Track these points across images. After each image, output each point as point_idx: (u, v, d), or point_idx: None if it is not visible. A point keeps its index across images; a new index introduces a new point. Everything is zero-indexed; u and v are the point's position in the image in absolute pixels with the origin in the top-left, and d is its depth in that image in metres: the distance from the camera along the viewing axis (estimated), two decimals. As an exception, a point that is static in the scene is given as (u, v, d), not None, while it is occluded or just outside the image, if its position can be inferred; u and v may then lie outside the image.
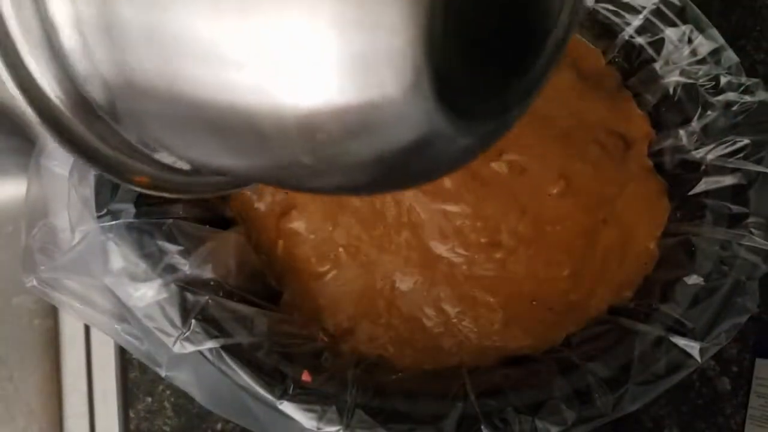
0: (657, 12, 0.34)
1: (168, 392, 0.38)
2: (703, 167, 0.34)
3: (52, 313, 0.38)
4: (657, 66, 0.35)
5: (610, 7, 0.36)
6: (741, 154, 0.33)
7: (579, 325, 0.35)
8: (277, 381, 0.28)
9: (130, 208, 0.29)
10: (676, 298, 0.32)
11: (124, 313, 0.29)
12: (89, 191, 0.29)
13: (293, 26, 0.14)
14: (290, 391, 0.28)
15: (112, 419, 0.37)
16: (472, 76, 0.16)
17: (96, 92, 0.18)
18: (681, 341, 0.30)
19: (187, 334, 0.28)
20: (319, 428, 0.28)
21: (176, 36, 0.15)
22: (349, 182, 0.19)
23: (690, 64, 0.34)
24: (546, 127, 0.35)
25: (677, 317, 0.31)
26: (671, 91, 0.35)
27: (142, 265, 0.28)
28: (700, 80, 0.34)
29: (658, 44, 0.35)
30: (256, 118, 0.15)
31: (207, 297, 0.29)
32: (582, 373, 0.31)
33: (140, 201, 0.29)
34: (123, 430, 0.37)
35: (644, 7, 0.35)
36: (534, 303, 0.35)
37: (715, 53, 0.34)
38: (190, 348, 0.28)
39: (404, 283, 0.34)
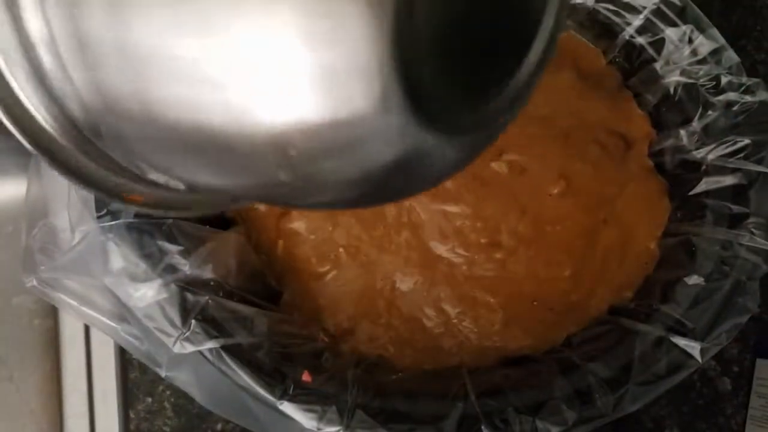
0: (657, 12, 0.34)
1: (168, 392, 0.38)
2: (703, 167, 0.34)
3: (52, 313, 0.38)
4: (657, 66, 0.35)
5: (611, 7, 0.35)
6: (741, 154, 0.33)
7: (579, 326, 0.35)
8: (277, 381, 0.28)
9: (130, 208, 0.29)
10: (677, 298, 0.32)
11: (124, 313, 0.29)
12: (89, 191, 0.29)
13: (254, 41, 0.14)
14: (290, 392, 0.28)
15: (112, 419, 0.37)
16: (448, 88, 0.16)
17: (77, 113, 0.18)
18: (682, 341, 0.30)
19: (187, 334, 0.28)
20: (319, 428, 0.28)
21: (143, 55, 0.15)
22: (338, 199, 0.19)
23: (690, 64, 0.34)
24: (546, 127, 0.35)
25: (678, 317, 0.31)
26: (672, 91, 0.35)
27: (142, 265, 0.28)
28: (701, 80, 0.34)
29: (659, 44, 0.35)
30: (229, 136, 0.15)
31: (207, 297, 0.29)
32: (582, 374, 0.31)
33: (140, 201, 0.29)
34: (123, 431, 0.37)
35: (645, 7, 0.35)
36: (534, 303, 0.35)
37: (716, 53, 0.34)
38: (190, 348, 0.28)
39: (404, 284, 0.34)
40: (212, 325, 0.28)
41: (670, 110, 0.36)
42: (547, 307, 0.35)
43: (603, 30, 0.37)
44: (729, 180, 0.33)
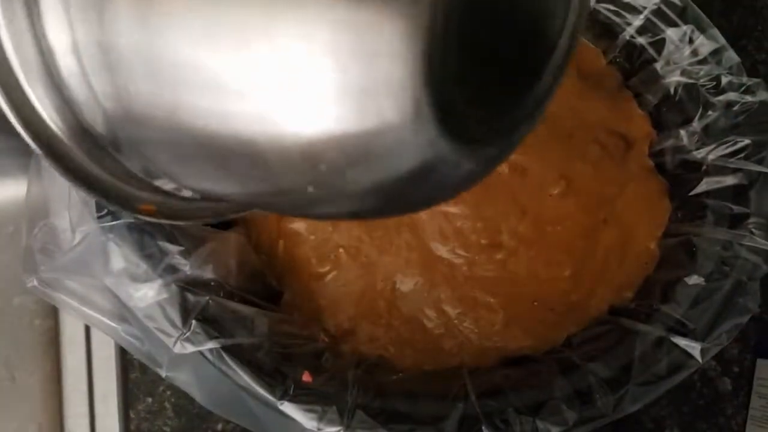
0: (658, 12, 0.34)
1: (168, 393, 0.38)
2: (704, 167, 0.34)
3: (53, 314, 0.38)
4: (658, 66, 0.35)
5: (611, 7, 0.35)
6: (742, 155, 0.33)
7: (580, 326, 0.35)
8: (277, 381, 0.28)
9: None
10: (677, 298, 0.32)
11: (124, 314, 0.29)
12: (90, 192, 0.29)
13: (290, 55, 0.14)
14: (291, 392, 0.28)
15: (113, 419, 0.37)
16: (475, 102, 0.16)
17: (95, 120, 0.18)
18: (682, 341, 0.30)
19: (188, 334, 0.28)
20: (319, 429, 0.28)
21: (174, 64, 0.15)
22: (353, 209, 0.19)
23: (691, 64, 0.34)
24: (546, 128, 0.35)
25: (678, 317, 0.31)
26: (672, 91, 0.35)
27: (142, 266, 0.28)
28: (701, 80, 0.34)
29: (659, 44, 0.35)
30: (259, 147, 0.15)
31: (207, 297, 0.29)
32: (583, 374, 0.31)
33: (141, 201, 0.29)
34: (123, 431, 0.37)
35: (645, 7, 0.35)
36: (535, 303, 0.35)
37: (716, 53, 0.34)
38: (190, 348, 0.28)
39: (405, 284, 0.34)
40: (213, 326, 0.28)
41: (670, 110, 0.36)
42: (547, 307, 0.35)
43: (603, 30, 0.37)
44: (729, 180, 0.33)
